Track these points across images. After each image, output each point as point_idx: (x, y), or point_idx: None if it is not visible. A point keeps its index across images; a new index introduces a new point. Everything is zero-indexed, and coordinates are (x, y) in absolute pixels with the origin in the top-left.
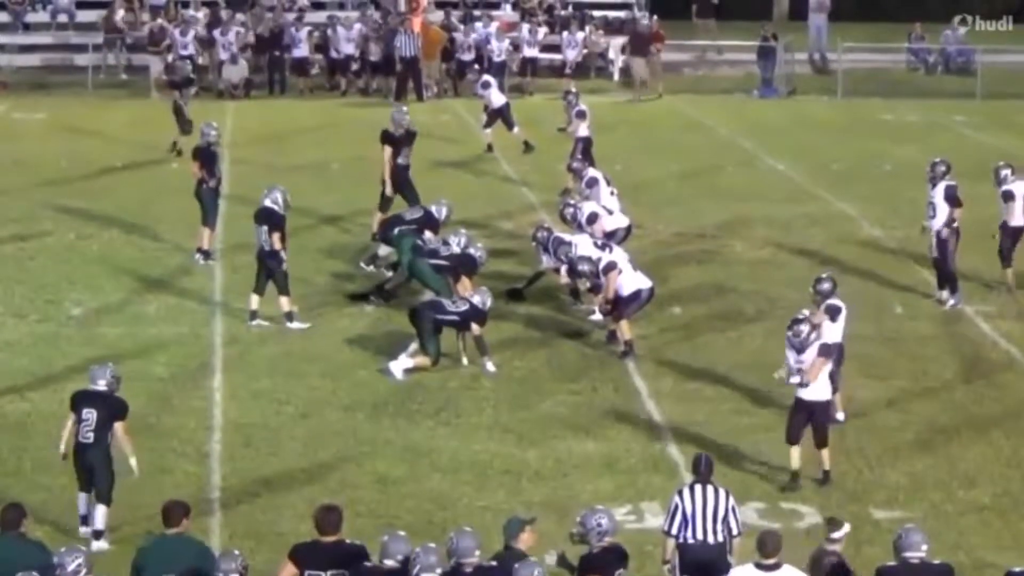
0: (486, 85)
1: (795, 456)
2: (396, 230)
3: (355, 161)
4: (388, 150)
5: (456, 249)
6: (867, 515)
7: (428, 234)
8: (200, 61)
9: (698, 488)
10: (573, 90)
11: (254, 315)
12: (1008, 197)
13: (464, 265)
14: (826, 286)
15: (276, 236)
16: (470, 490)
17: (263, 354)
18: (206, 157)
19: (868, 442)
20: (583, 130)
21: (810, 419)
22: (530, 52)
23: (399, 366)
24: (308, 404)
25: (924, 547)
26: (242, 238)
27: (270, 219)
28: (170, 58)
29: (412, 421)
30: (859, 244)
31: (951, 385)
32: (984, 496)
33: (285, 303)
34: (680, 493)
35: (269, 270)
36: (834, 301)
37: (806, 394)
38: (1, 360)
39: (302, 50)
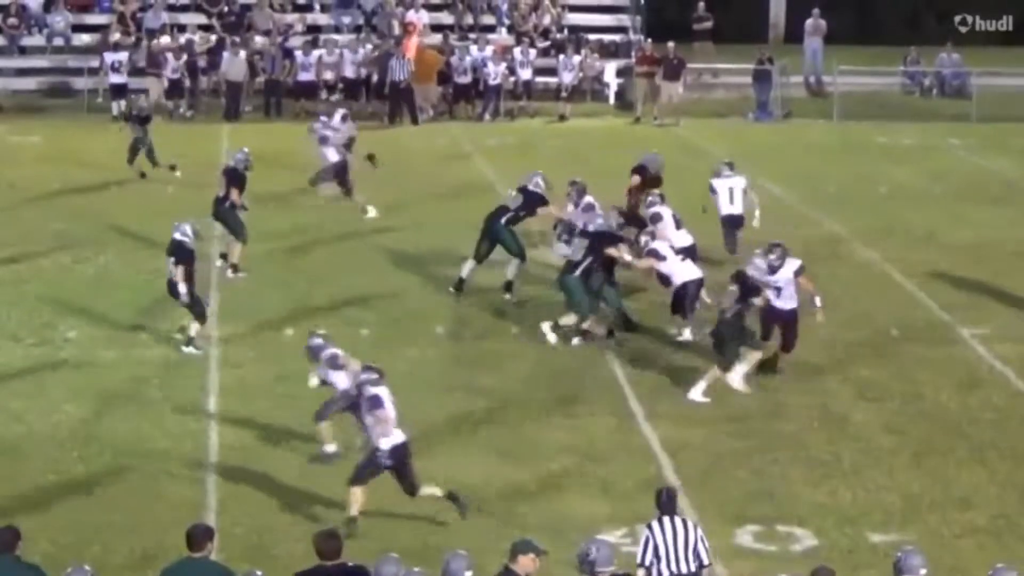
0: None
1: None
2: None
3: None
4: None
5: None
6: (863, 538)
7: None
8: (187, 84)
9: (667, 520)
10: (578, 180)
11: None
12: (712, 190)
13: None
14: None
15: (180, 270)
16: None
17: (259, 377)
18: (237, 179)
19: (863, 464)
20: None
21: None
22: (525, 75)
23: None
24: (304, 426)
25: (923, 571)
26: (243, 266)
27: (177, 252)
28: (164, 83)
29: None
30: (854, 266)
31: (946, 407)
32: (980, 518)
33: (195, 327)
34: (650, 526)
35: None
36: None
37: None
38: None
39: (310, 74)
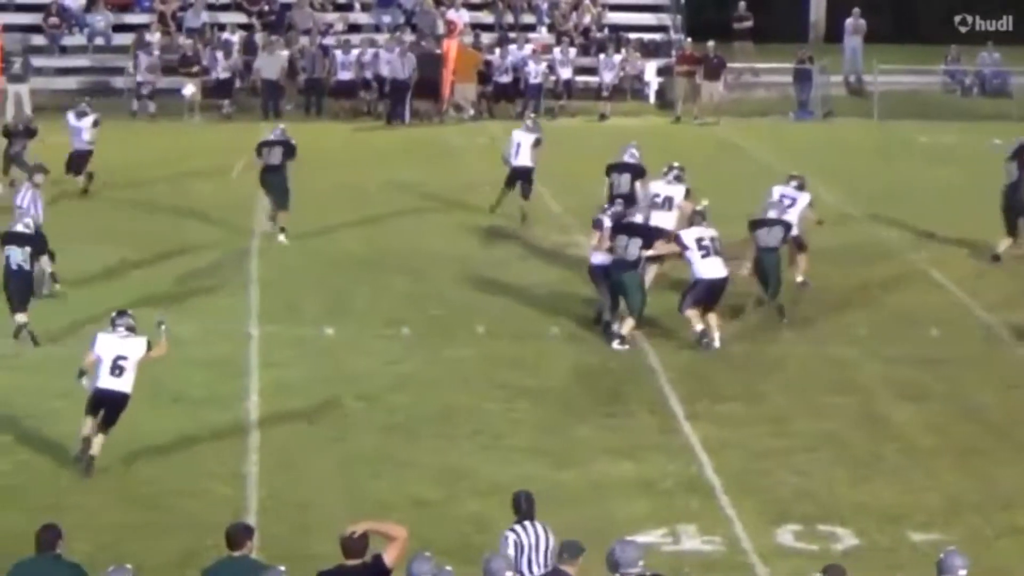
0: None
1: None
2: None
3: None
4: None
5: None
6: (904, 538)
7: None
8: (237, 84)
9: (527, 524)
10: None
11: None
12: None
13: None
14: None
15: (44, 258)
16: (506, 513)
17: (298, 376)
18: (292, 151)
19: (905, 464)
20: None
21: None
22: (565, 74)
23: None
24: (343, 426)
25: (964, 571)
26: (276, 263)
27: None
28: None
29: (448, 443)
30: (895, 266)
31: (988, 407)
32: (1022, 519)
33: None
34: (514, 529)
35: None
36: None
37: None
38: (38, 384)
39: (349, 73)
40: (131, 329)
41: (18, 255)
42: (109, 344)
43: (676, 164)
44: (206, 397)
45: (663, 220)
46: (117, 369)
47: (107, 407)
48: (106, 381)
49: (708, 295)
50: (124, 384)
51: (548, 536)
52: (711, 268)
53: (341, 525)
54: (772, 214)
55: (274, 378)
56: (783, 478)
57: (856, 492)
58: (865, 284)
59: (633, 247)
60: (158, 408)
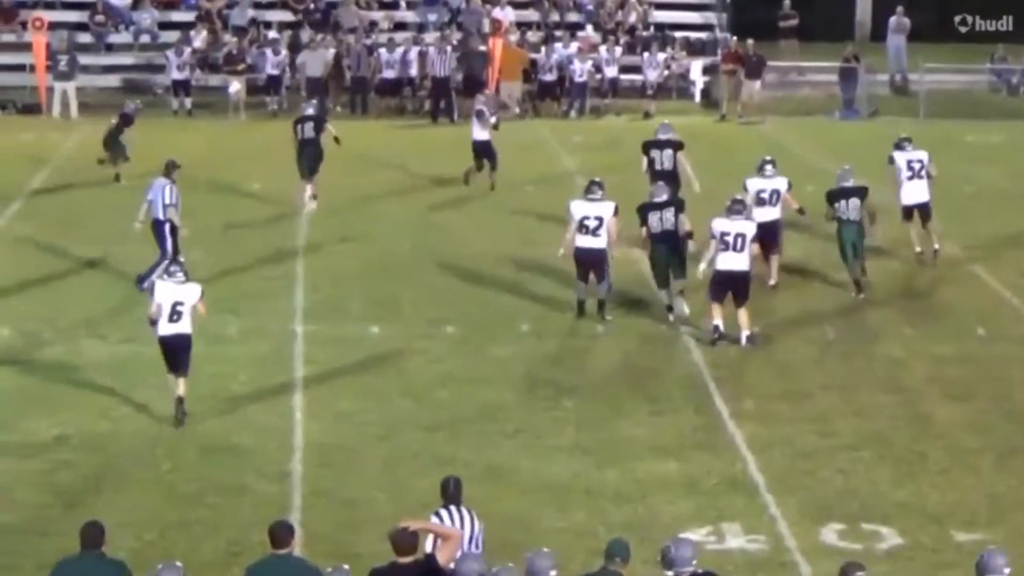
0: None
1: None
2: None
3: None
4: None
5: None
6: (948, 537)
7: None
8: (286, 83)
9: (454, 509)
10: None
11: None
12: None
13: None
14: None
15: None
16: (550, 511)
17: (343, 374)
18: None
19: (949, 464)
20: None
21: None
22: (611, 73)
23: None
24: (388, 424)
25: (1007, 570)
26: (321, 261)
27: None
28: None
29: (492, 442)
30: (941, 265)
31: None
32: None
33: None
34: (439, 514)
35: None
36: None
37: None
38: (84, 380)
39: (394, 71)
40: (185, 275)
41: None
42: (167, 291)
43: (768, 158)
44: (251, 394)
45: (770, 214)
46: (175, 314)
47: (174, 352)
48: (166, 327)
49: (724, 288)
50: (183, 327)
51: (474, 521)
52: (729, 261)
53: (386, 523)
54: (848, 183)
55: (319, 376)
56: (827, 477)
57: (900, 491)
58: (911, 283)
59: (668, 215)
60: (203, 404)
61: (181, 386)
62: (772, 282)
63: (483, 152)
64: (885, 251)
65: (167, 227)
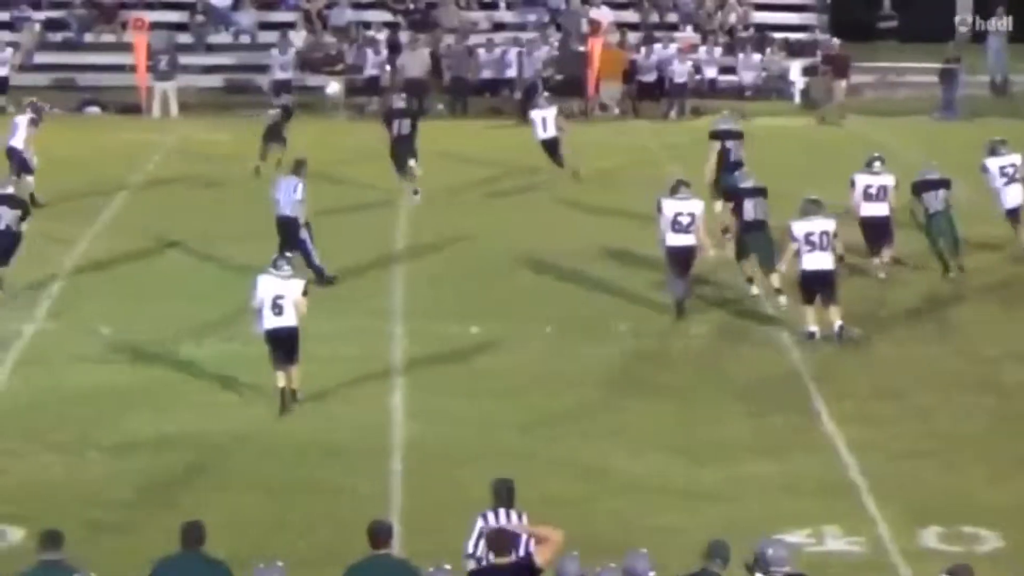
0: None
1: None
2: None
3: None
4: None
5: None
6: None
7: None
8: (383, 83)
9: (501, 512)
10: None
11: None
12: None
13: None
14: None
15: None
16: (645, 510)
17: (442, 374)
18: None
19: None
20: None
21: None
22: (710, 73)
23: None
24: (486, 423)
25: None
26: (420, 261)
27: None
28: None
29: (587, 441)
30: None
31: None
32: None
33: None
34: (484, 516)
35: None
36: None
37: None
38: (183, 380)
39: (492, 71)
40: (291, 269)
41: None
42: (269, 285)
43: (877, 155)
44: (350, 394)
45: (879, 210)
46: (277, 308)
47: (281, 345)
48: (270, 321)
49: (812, 288)
50: (287, 320)
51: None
52: (816, 261)
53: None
54: (933, 176)
55: (418, 375)
56: (927, 479)
57: (1001, 494)
58: (1009, 283)
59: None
60: (302, 403)
61: (294, 376)
62: (882, 275)
63: (550, 150)
64: (985, 251)
65: (298, 221)
